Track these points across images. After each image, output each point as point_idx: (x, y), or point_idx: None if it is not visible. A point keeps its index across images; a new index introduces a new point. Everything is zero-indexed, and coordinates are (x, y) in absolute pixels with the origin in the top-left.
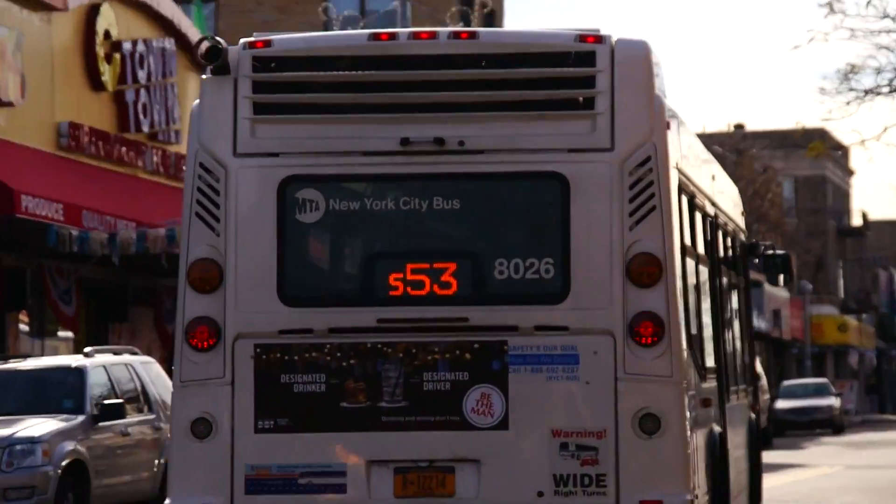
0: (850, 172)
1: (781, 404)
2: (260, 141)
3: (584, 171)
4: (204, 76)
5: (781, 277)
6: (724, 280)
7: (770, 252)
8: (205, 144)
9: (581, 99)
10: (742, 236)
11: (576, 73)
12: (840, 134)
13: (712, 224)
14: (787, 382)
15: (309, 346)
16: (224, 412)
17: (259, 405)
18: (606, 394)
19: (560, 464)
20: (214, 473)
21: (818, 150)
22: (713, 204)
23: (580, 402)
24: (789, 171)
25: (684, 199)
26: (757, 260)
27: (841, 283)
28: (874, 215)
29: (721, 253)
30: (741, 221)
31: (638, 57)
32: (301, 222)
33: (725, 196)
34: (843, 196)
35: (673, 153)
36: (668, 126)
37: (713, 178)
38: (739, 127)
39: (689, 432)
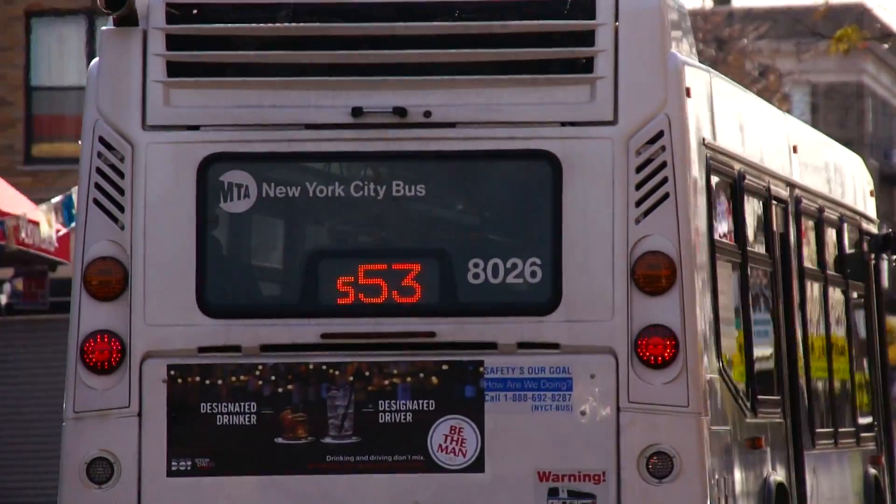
0: None
1: None
2: (175, 110)
3: (579, 149)
4: (104, 28)
5: None
6: (813, 287)
7: None
8: (105, 114)
9: (583, 60)
10: (865, 225)
11: (570, 27)
12: (888, 15)
13: (787, 213)
14: None
15: (236, 367)
16: (129, 451)
17: (173, 442)
18: (606, 427)
19: None
20: None
21: (851, 42)
22: (792, 185)
23: (574, 437)
24: (804, 74)
25: (721, 183)
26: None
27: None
28: None
29: (806, 251)
30: (865, 205)
31: (649, 6)
32: (227, 213)
33: (824, 172)
34: (893, 116)
35: (698, 125)
36: (688, 93)
37: (794, 149)
38: (723, 2)
39: (711, 477)
